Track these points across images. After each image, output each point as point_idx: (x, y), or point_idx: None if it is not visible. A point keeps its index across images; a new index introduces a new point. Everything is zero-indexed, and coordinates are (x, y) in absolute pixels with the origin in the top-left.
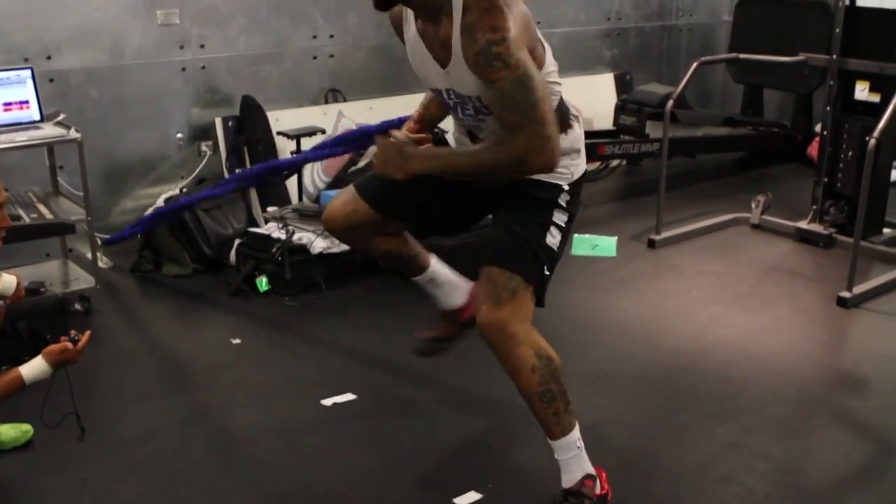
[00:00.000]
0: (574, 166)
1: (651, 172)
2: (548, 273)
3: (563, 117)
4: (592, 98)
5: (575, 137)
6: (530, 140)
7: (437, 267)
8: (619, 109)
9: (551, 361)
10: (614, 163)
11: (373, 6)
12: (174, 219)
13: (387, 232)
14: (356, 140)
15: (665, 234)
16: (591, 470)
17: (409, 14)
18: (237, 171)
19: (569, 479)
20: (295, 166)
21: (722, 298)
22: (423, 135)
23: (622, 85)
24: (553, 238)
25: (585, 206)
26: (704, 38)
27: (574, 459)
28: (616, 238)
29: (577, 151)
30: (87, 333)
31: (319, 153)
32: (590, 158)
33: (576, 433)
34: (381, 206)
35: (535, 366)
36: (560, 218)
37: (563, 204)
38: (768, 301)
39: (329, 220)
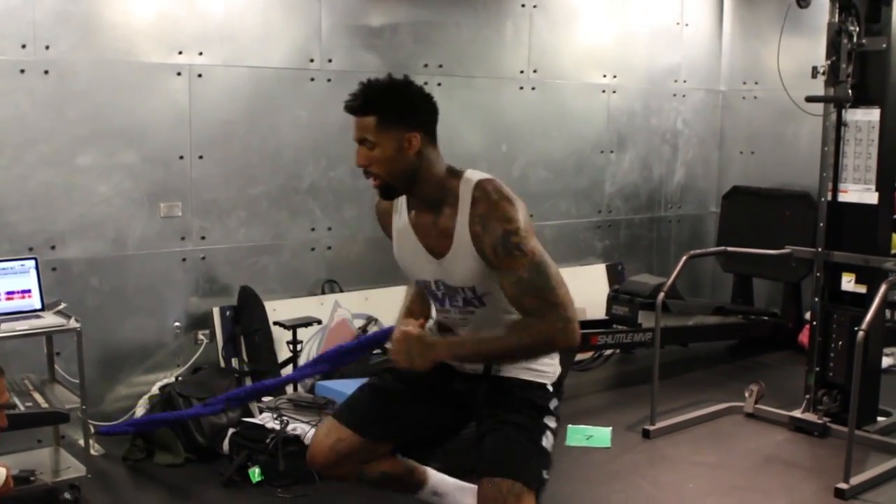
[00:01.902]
0: (553, 365)
1: (644, 361)
2: (546, 476)
3: None
4: (585, 288)
5: None
6: (554, 323)
7: (436, 478)
8: (612, 300)
9: None
10: (608, 352)
11: (379, 196)
12: (170, 426)
13: (375, 456)
14: (338, 357)
15: (660, 424)
16: None
17: (402, 205)
18: (234, 361)
19: None
20: (281, 387)
21: (719, 491)
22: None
23: (614, 275)
24: (548, 441)
25: (580, 396)
26: (693, 229)
27: None
28: (611, 428)
29: (554, 353)
30: None
31: (304, 372)
32: (583, 349)
33: None
34: (367, 430)
35: None
36: (552, 422)
37: (553, 409)
38: (765, 493)
39: (315, 457)
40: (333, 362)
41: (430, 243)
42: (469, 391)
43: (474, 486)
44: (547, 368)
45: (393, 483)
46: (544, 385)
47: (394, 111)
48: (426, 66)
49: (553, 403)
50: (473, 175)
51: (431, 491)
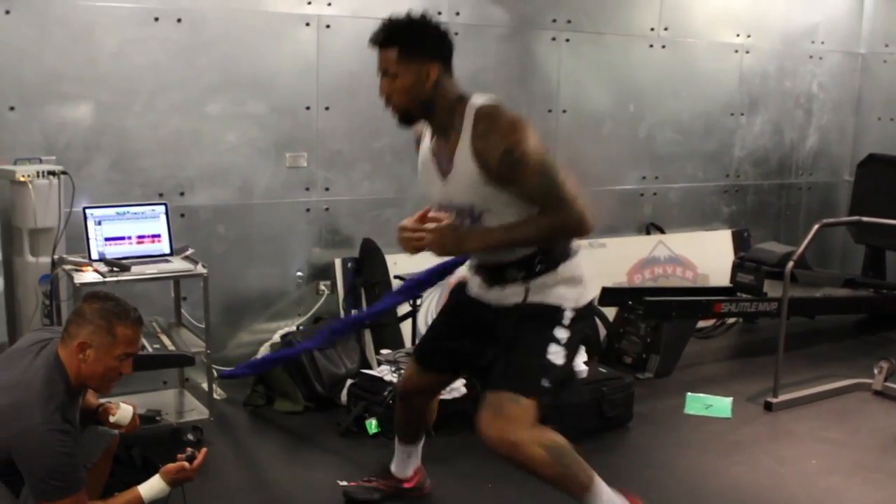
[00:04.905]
0: (576, 293)
1: (767, 332)
2: (548, 385)
3: (565, 250)
4: (709, 254)
5: (574, 265)
6: (568, 217)
7: (418, 447)
8: (737, 267)
9: (557, 446)
10: (730, 321)
11: (398, 124)
12: (287, 364)
13: (437, 390)
14: (436, 274)
15: (783, 397)
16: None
17: (427, 131)
18: (354, 311)
19: None
20: (376, 316)
21: (843, 469)
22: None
23: (740, 242)
24: (555, 352)
25: (700, 364)
26: (824, 198)
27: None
28: (731, 399)
29: (579, 280)
30: (203, 451)
31: (391, 302)
32: (706, 316)
33: (597, 482)
34: (429, 363)
35: (545, 459)
36: (561, 334)
37: (566, 322)
38: (892, 475)
39: (400, 387)
40: (418, 287)
41: (440, 164)
42: (495, 322)
43: (419, 465)
44: (568, 294)
45: (417, 428)
46: (558, 306)
47: (414, 44)
48: (554, 21)
49: (567, 316)
50: (477, 99)
51: (410, 451)
